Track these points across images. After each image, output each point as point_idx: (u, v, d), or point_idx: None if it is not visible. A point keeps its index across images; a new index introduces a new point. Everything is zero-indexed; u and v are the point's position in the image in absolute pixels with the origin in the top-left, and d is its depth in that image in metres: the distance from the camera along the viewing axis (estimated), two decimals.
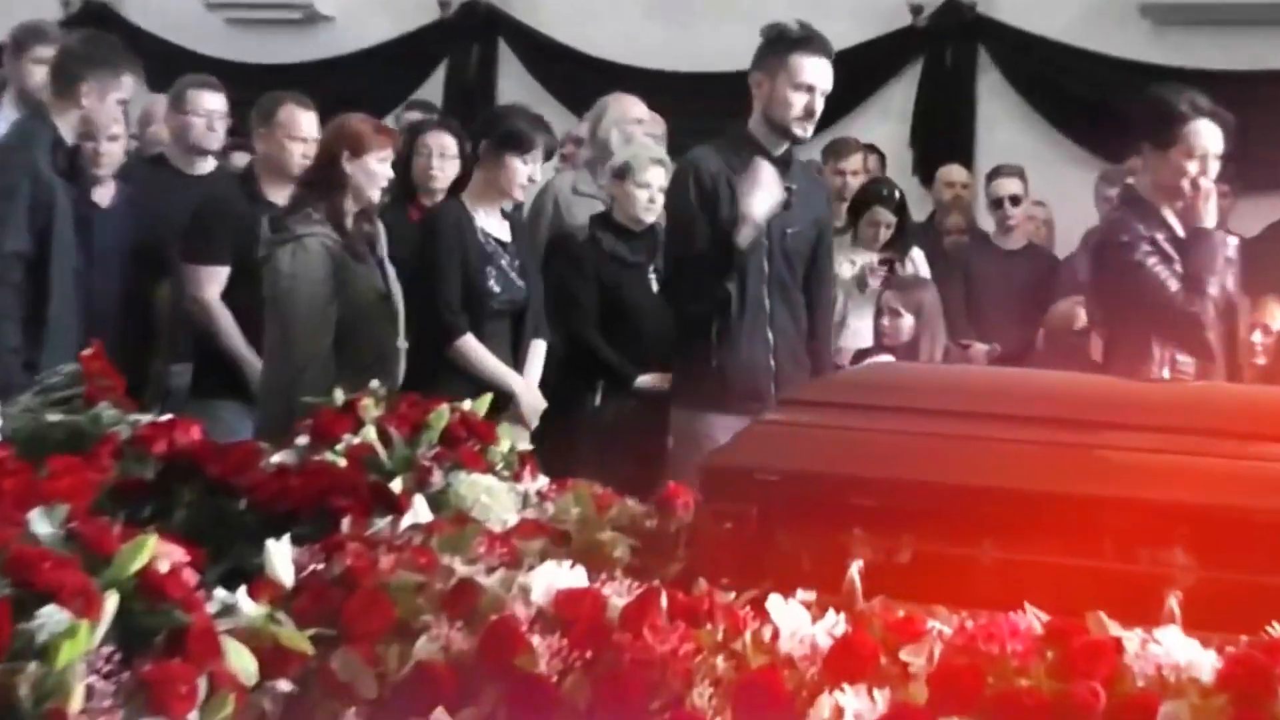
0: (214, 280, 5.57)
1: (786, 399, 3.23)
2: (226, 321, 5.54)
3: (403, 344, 5.23)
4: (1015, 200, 7.58)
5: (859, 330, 6.75)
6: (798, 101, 5.07)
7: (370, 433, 3.46)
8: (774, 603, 2.48)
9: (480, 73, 9.90)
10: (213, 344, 5.58)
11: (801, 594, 2.53)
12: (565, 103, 9.16)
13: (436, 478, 3.28)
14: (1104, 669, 2.32)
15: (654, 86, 8.37)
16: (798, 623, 2.45)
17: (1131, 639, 2.37)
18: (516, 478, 3.41)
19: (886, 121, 9.20)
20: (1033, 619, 2.43)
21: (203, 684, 2.20)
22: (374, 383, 3.74)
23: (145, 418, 3.55)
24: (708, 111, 8.32)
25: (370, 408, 3.54)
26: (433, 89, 9.85)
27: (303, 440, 3.50)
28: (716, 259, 5.05)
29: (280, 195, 5.52)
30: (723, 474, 2.91)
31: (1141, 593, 2.53)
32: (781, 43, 5.12)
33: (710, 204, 5.07)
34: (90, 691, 2.09)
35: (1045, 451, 2.76)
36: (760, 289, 5.12)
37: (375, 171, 5.11)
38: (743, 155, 5.10)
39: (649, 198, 5.92)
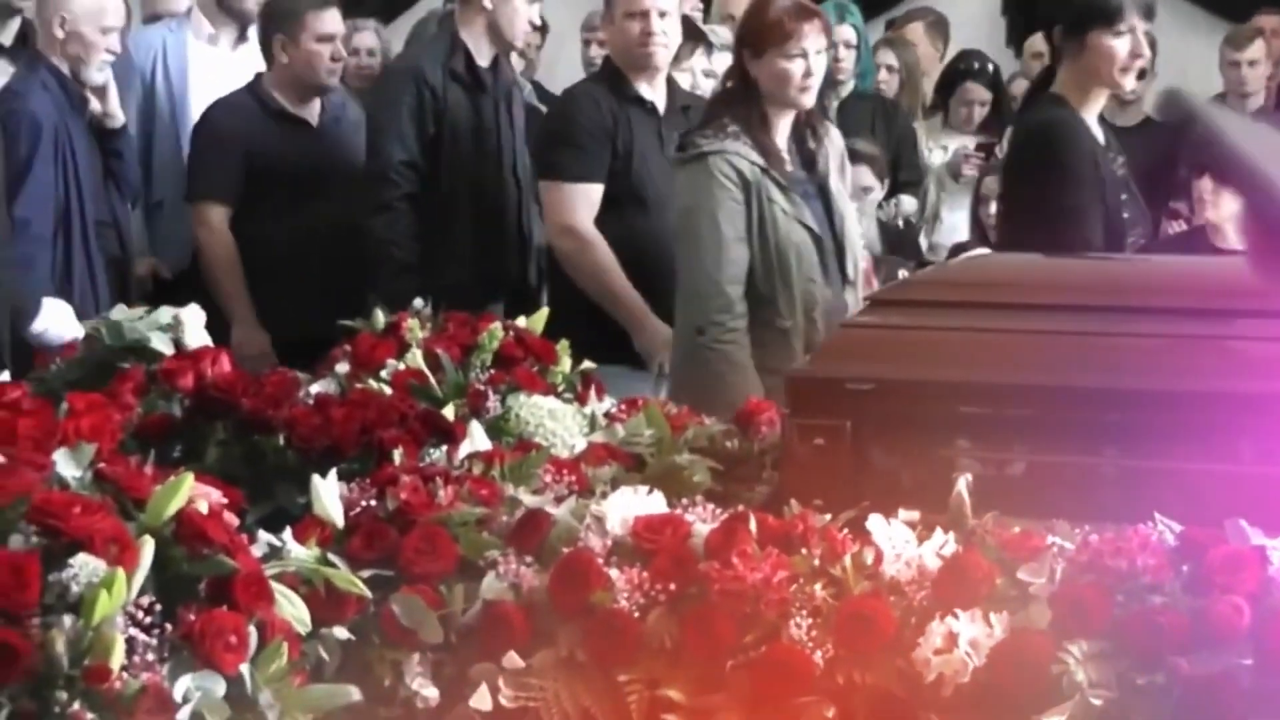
0: (588, 203, 5.01)
1: (878, 298, 3.22)
2: (608, 256, 4.96)
3: (854, 301, 4.49)
4: (1140, 72, 7.46)
5: (954, 223, 6.76)
6: None
7: (416, 357, 3.50)
8: (875, 523, 2.51)
9: None
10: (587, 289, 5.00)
11: (904, 514, 2.56)
12: None
13: (492, 403, 3.31)
14: (1247, 582, 2.33)
15: None
16: (902, 544, 2.48)
17: (1276, 548, 2.38)
18: (580, 399, 3.45)
19: None
20: (1164, 530, 2.44)
21: (253, 633, 2.24)
22: (418, 301, 3.78)
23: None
24: None
25: (415, 329, 3.58)
26: None
27: (342, 368, 3.55)
28: None
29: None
30: (810, 386, 2.89)
31: None
32: None
33: None
34: (131, 645, 2.13)
35: (1171, 345, 2.76)
36: None
37: (786, 72, 4.43)
38: None
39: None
